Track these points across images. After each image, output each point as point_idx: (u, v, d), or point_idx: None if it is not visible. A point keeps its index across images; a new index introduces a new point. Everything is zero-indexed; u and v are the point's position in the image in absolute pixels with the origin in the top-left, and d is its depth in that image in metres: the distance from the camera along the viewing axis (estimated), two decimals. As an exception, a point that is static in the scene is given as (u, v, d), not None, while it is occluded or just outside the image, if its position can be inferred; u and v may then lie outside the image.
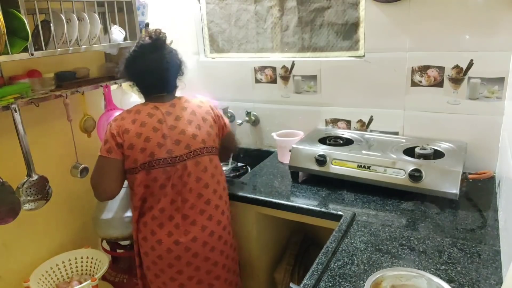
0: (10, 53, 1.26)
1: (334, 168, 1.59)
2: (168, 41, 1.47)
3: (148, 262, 1.47)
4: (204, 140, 1.44)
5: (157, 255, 1.43)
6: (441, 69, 1.65)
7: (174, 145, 1.39)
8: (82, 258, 1.75)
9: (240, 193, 1.62)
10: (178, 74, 1.51)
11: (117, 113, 1.73)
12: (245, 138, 2.19)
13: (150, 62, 1.42)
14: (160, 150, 1.38)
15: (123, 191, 1.72)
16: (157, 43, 1.42)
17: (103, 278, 1.74)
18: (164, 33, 1.46)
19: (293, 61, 1.96)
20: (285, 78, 2.01)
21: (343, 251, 1.19)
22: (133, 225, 1.48)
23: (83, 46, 1.53)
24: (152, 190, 1.41)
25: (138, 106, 1.45)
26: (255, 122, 2.15)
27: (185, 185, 1.40)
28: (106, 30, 1.66)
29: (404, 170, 1.47)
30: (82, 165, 1.66)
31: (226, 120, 1.60)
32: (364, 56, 1.80)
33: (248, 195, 1.61)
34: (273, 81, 2.05)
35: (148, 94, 1.49)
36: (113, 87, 1.79)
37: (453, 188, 1.38)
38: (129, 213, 1.65)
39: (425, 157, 1.53)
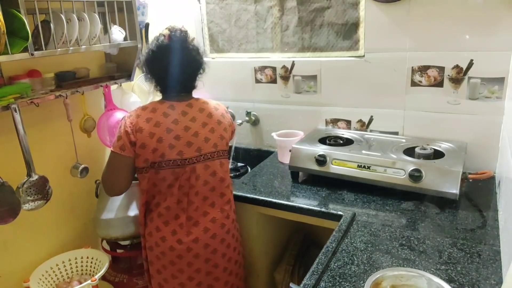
0: (10, 53, 1.25)
1: (334, 168, 1.59)
2: (190, 39, 1.43)
3: (152, 256, 1.49)
4: (216, 144, 1.43)
5: (160, 251, 1.44)
6: (441, 69, 1.65)
7: (186, 147, 1.38)
8: (82, 258, 1.75)
9: (240, 193, 1.62)
10: (197, 74, 1.47)
11: (117, 113, 1.73)
12: (245, 138, 2.20)
13: (167, 64, 1.39)
14: (171, 151, 1.37)
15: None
16: (176, 44, 1.39)
17: (103, 278, 1.73)
18: (185, 31, 1.43)
19: (293, 61, 1.96)
20: (285, 78, 2.01)
21: (343, 251, 1.19)
22: (140, 219, 1.49)
23: (83, 46, 1.53)
24: (160, 188, 1.42)
25: (154, 104, 1.43)
26: (255, 122, 2.15)
27: (192, 187, 1.40)
28: (106, 30, 1.66)
29: (404, 170, 1.47)
30: (82, 165, 1.66)
31: (235, 127, 1.60)
32: (364, 56, 1.80)
33: (248, 195, 1.61)
34: (273, 81, 2.05)
35: (165, 93, 1.48)
36: (113, 87, 1.79)
37: (453, 188, 1.38)
38: (129, 213, 1.65)
39: (425, 157, 1.53)
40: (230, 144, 1.65)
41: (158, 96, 1.54)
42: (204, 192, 1.42)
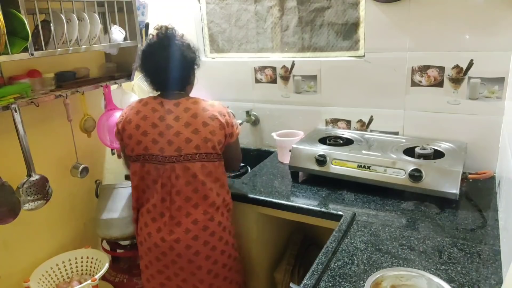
0: (10, 53, 1.26)
1: (334, 168, 1.59)
2: (178, 36, 1.44)
3: (141, 251, 1.52)
4: (198, 146, 1.40)
5: (147, 247, 1.47)
6: (441, 69, 1.65)
7: (166, 145, 1.40)
8: (82, 258, 1.75)
9: (240, 193, 1.62)
10: (189, 70, 1.47)
11: (117, 113, 1.73)
12: (245, 138, 2.19)
13: (157, 62, 1.41)
14: (154, 146, 1.40)
15: (123, 191, 1.73)
16: (164, 42, 1.41)
17: (103, 278, 1.74)
18: (172, 28, 1.45)
19: (293, 61, 1.96)
20: (285, 78, 2.01)
21: (343, 251, 1.19)
22: (133, 213, 1.54)
23: (83, 46, 1.53)
24: (147, 182, 1.45)
25: (148, 98, 1.48)
26: (255, 122, 2.15)
27: (173, 186, 1.41)
28: (106, 30, 1.66)
29: (404, 170, 1.47)
30: (82, 165, 1.66)
31: (236, 130, 1.52)
32: (364, 56, 1.80)
33: (248, 195, 1.61)
34: (273, 81, 2.05)
35: (159, 90, 1.49)
36: (113, 87, 1.79)
37: (453, 188, 1.38)
38: (129, 213, 1.65)
39: (425, 157, 1.53)
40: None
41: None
42: (187, 192, 1.41)
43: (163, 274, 1.47)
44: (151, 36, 1.45)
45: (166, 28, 1.44)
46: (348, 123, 1.93)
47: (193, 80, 1.52)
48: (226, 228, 1.51)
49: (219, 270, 1.49)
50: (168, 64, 1.41)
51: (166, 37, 1.42)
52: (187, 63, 1.45)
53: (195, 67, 1.48)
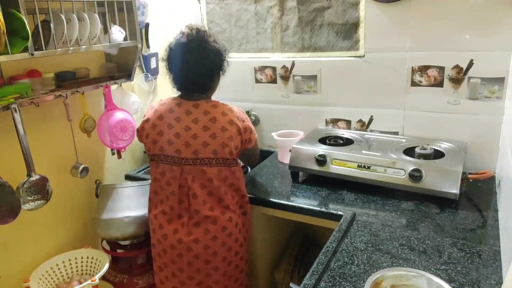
0: (10, 53, 1.25)
1: (334, 168, 1.59)
2: (210, 39, 1.41)
3: (154, 253, 1.51)
4: (215, 151, 1.39)
5: (162, 249, 1.46)
6: (441, 69, 1.65)
7: (183, 147, 1.39)
8: (82, 258, 1.75)
9: (240, 193, 1.62)
10: (214, 75, 1.46)
11: (117, 113, 1.73)
12: (245, 138, 2.19)
13: (182, 63, 1.40)
14: (170, 147, 1.40)
15: (123, 191, 1.73)
16: (192, 43, 1.38)
17: (103, 278, 1.73)
18: (204, 30, 1.42)
19: (293, 61, 1.96)
20: (285, 78, 2.01)
21: (343, 251, 1.19)
22: (148, 214, 1.54)
23: (83, 46, 1.53)
24: (161, 184, 1.45)
25: (167, 99, 1.49)
26: (255, 122, 2.15)
27: (190, 189, 1.41)
28: (106, 30, 1.65)
29: (404, 170, 1.47)
30: (82, 165, 1.66)
31: (253, 137, 1.51)
32: (364, 56, 1.80)
33: (249, 195, 1.61)
34: (273, 81, 2.05)
35: (179, 91, 1.49)
36: (113, 87, 1.79)
37: (453, 188, 1.38)
38: (129, 213, 1.66)
39: (425, 157, 1.53)
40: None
41: (158, 96, 1.55)
42: (202, 196, 1.41)
43: (176, 277, 1.46)
44: (180, 35, 1.41)
45: (198, 29, 1.41)
46: (348, 123, 1.93)
47: (216, 85, 1.51)
48: (241, 230, 1.50)
49: (232, 271, 1.50)
50: (193, 67, 1.40)
51: (196, 39, 1.39)
52: (212, 68, 1.44)
53: (220, 73, 1.47)
